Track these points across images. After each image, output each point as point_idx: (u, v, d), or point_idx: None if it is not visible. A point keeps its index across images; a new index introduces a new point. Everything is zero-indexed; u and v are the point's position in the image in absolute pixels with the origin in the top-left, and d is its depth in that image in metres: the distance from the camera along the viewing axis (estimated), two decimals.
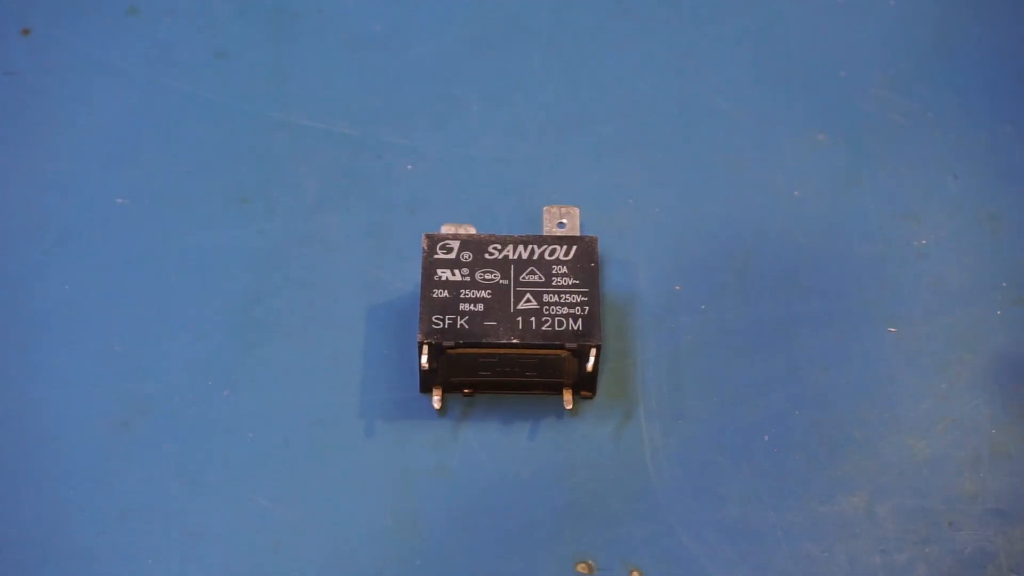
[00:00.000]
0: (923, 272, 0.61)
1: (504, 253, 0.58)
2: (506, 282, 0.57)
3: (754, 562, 0.55)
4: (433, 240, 0.58)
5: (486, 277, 0.57)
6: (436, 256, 0.57)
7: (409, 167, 0.63)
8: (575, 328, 0.56)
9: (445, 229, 0.59)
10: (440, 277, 0.57)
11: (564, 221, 0.60)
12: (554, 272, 0.57)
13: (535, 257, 0.58)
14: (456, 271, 0.57)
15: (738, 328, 0.59)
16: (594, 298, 0.57)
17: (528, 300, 0.56)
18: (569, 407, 0.57)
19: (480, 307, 0.56)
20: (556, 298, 0.56)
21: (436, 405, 0.57)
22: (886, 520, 0.56)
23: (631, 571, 0.55)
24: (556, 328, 0.56)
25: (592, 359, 0.56)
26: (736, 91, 0.65)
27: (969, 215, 0.62)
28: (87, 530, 0.55)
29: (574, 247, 0.58)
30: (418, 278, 0.57)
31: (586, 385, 0.57)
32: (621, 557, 0.55)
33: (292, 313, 0.60)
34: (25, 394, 0.58)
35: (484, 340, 0.56)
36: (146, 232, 0.61)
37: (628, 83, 0.65)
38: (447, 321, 0.56)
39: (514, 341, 0.56)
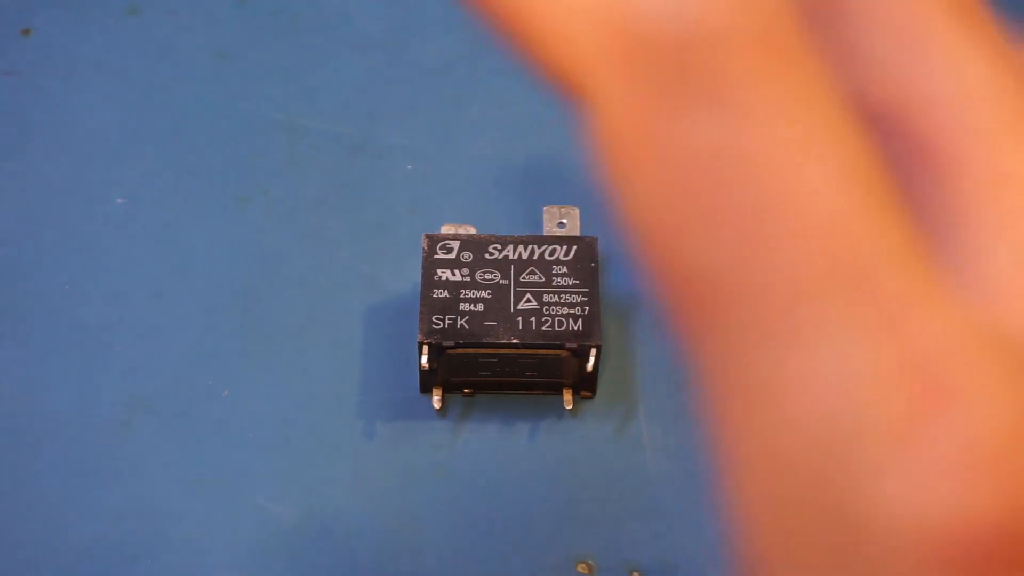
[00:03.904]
0: None
1: (504, 253, 0.58)
2: (506, 282, 0.57)
3: None
4: (433, 240, 0.58)
5: (486, 277, 0.57)
6: (436, 256, 0.57)
7: (409, 167, 0.63)
8: (575, 328, 0.56)
9: (445, 229, 0.59)
10: (440, 277, 0.57)
11: (564, 221, 0.60)
12: (554, 272, 0.57)
13: (535, 257, 0.57)
14: (456, 271, 0.57)
15: None
16: (594, 298, 0.57)
17: (528, 300, 0.56)
18: (569, 407, 0.57)
19: (480, 307, 0.56)
20: (556, 298, 0.56)
21: (436, 405, 0.57)
22: None
23: (631, 571, 0.55)
24: (556, 328, 0.56)
25: (592, 359, 0.56)
26: None
27: None
28: (87, 530, 0.55)
29: (574, 247, 0.58)
30: (418, 278, 0.57)
31: (586, 385, 0.57)
32: (621, 557, 0.55)
33: (292, 313, 0.59)
34: (25, 394, 0.58)
35: (484, 340, 0.56)
36: (146, 232, 0.61)
37: None
38: (447, 321, 0.56)
39: (514, 341, 0.56)
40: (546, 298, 0.56)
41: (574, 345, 0.56)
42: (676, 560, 0.55)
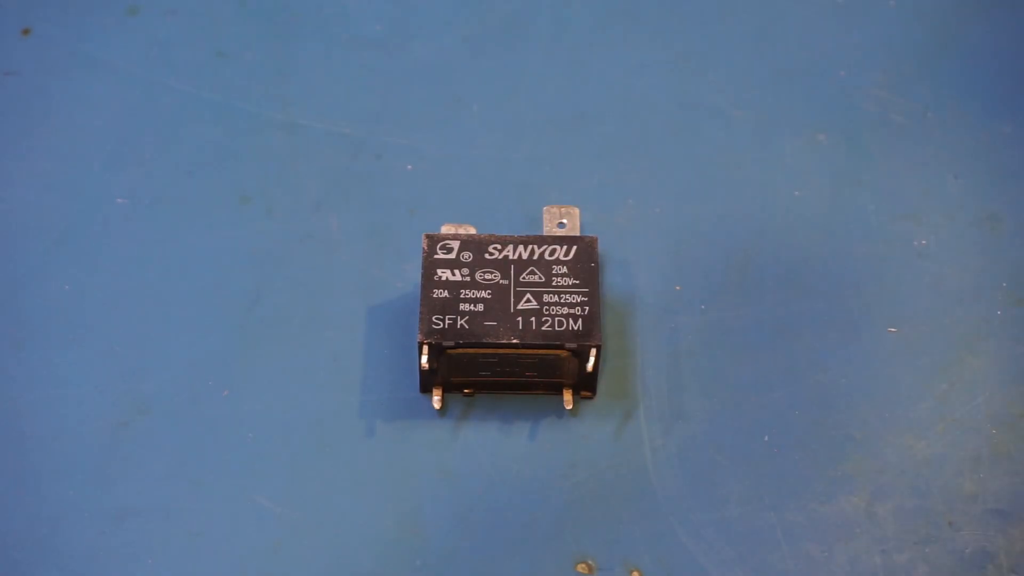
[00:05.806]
0: (923, 272, 0.61)
1: (504, 253, 0.58)
2: (506, 282, 0.57)
3: (754, 562, 0.55)
4: (433, 240, 0.58)
5: (486, 277, 0.57)
6: (436, 256, 0.57)
7: (409, 167, 0.63)
8: (575, 328, 0.56)
9: (445, 229, 0.59)
10: (440, 277, 0.57)
11: (564, 221, 0.60)
12: (554, 272, 0.57)
13: (535, 257, 0.58)
14: (456, 271, 0.57)
15: (738, 328, 0.59)
16: (594, 298, 0.57)
17: (528, 300, 0.56)
18: (569, 407, 0.57)
19: (480, 307, 0.56)
20: (556, 298, 0.56)
21: (436, 405, 0.57)
22: (886, 520, 0.56)
23: (631, 571, 0.55)
24: (556, 328, 0.56)
25: (592, 359, 0.56)
26: (736, 91, 0.65)
27: (969, 215, 0.62)
28: (87, 530, 0.55)
29: (574, 247, 0.58)
30: (418, 278, 0.57)
31: (586, 385, 0.57)
32: (621, 557, 0.55)
33: (292, 313, 0.60)
34: (25, 394, 0.58)
35: (484, 340, 0.56)
36: (146, 232, 0.61)
37: (628, 83, 0.65)
38: (447, 321, 0.56)
39: (514, 341, 0.56)
40: (546, 298, 0.57)
41: (574, 345, 0.56)
42: (676, 560, 0.55)
